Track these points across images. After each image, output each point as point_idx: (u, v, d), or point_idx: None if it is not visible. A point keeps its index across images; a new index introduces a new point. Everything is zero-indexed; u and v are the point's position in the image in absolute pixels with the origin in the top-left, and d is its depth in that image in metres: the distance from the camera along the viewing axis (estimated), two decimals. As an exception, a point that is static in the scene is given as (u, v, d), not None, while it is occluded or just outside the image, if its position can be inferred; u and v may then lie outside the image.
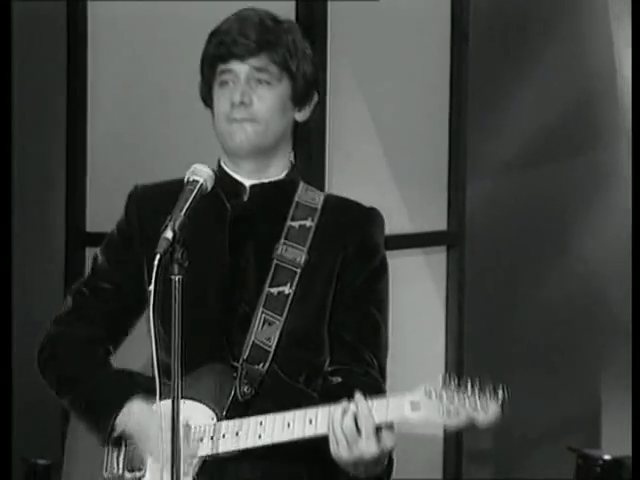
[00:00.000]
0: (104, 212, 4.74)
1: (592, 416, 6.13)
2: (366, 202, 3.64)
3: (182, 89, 4.77)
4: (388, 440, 2.59)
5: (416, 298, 5.41)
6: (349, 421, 2.58)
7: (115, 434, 2.82)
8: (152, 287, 2.62)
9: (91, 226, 5.09)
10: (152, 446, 2.77)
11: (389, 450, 2.63)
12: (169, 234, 2.63)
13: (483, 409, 2.60)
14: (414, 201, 5.22)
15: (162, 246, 2.63)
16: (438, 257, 5.33)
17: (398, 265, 4.33)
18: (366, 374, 2.86)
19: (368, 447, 2.57)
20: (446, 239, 5.36)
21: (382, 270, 3.00)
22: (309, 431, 2.64)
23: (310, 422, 2.66)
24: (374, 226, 3.00)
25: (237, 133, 2.87)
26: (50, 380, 2.96)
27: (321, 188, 3.99)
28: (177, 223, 2.64)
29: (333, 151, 4.91)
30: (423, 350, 5.46)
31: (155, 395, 2.65)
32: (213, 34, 2.92)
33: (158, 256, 2.62)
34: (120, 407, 2.81)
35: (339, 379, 2.85)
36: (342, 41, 4.96)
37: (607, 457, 5.70)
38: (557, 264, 6.03)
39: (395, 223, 4.79)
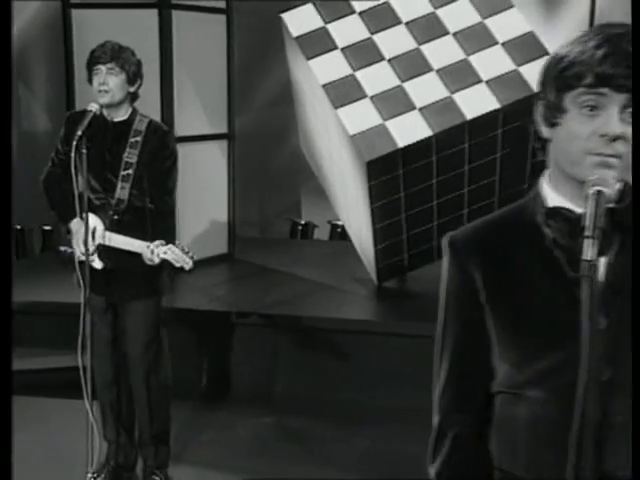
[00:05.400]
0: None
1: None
2: (191, 123, 6.03)
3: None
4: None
5: (211, 165, 7.27)
6: (150, 253, 3.86)
7: (70, 231, 4.11)
8: (73, 154, 3.80)
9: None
10: (78, 237, 4.03)
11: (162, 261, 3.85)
12: (79, 132, 3.81)
13: (187, 262, 3.86)
14: (214, 119, 7.25)
15: (76, 136, 3.81)
16: (224, 145, 7.51)
17: (205, 149, 6.96)
18: (163, 207, 4.05)
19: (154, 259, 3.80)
20: (227, 137, 7.49)
21: (170, 158, 4.06)
22: (138, 250, 3.89)
23: (135, 246, 3.90)
24: (166, 138, 4.10)
25: (101, 99, 4.01)
26: (46, 198, 4.22)
27: (171, 115, 6.53)
28: (83, 127, 3.83)
29: (178, 100, 6.77)
30: (212, 190, 7.24)
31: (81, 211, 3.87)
32: (91, 52, 4.03)
33: (75, 142, 3.77)
34: (72, 218, 4.08)
35: (152, 206, 4.04)
36: (181, 55, 6.87)
37: (336, 222, 8.09)
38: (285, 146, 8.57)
39: (206, 129, 7.09)
